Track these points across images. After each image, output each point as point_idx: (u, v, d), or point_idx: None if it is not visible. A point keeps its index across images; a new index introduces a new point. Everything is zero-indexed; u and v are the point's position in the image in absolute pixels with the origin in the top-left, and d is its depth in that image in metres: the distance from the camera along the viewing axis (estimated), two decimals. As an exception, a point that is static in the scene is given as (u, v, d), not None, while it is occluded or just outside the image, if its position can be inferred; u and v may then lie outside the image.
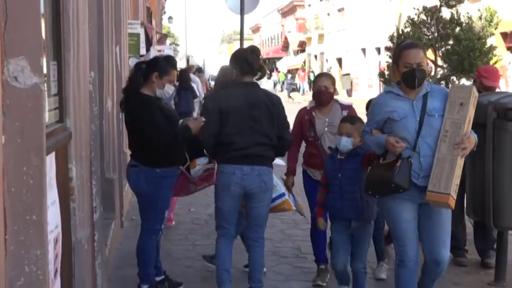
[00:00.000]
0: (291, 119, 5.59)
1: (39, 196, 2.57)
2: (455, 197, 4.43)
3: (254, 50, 5.38)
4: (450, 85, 8.79)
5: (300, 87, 47.30)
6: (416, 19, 9.25)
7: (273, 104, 5.24)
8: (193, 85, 15.07)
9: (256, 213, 5.26)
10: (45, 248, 2.62)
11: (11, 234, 2.43)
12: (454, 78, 8.90)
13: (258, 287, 5.29)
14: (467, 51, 8.59)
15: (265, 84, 39.63)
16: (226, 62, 6.43)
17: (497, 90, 6.75)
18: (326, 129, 5.88)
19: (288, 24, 61.43)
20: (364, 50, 38.81)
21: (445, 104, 4.52)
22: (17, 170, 2.46)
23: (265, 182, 5.17)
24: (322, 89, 5.87)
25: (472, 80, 7.39)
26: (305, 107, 6.06)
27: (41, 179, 2.59)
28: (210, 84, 31.37)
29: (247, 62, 5.21)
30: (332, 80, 6.05)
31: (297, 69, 53.09)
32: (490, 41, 9.43)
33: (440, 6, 9.26)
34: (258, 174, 5.12)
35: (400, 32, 9.20)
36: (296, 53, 56.86)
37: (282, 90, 49.04)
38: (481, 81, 6.54)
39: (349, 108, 6.00)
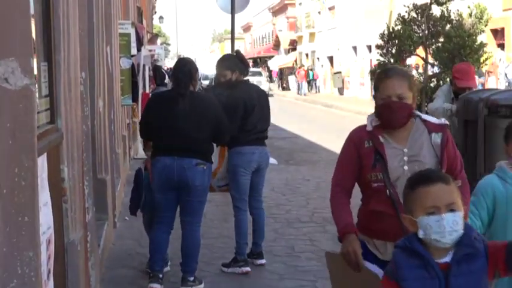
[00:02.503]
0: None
1: (31, 197, 2.56)
2: None
3: (243, 54, 6.61)
4: (442, 83, 8.83)
5: (300, 87, 44.01)
6: (406, 17, 9.27)
7: (266, 96, 6.51)
8: None
9: (260, 184, 6.36)
10: (38, 250, 2.62)
11: (3, 236, 2.42)
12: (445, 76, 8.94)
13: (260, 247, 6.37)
14: (457, 48, 8.63)
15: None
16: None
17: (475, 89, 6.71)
18: (406, 168, 3.35)
19: (279, 22, 61.42)
20: (355, 48, 38.86)
21: None
22: (8, 172, 2.45)
23: (269, 159, 6.39)
24: (394, 102, 3.35)
25: (449, 80, 7.40)
26: (362, 126, 3.51)
27: (33, 180, 2.58)
28: (201, 83, 31.32)
29: (245, 64, 6.35)
30: (410, 81, 3.45)
31: (289, 68, 53.07)
32: (480, 38, 9.45)
33: (431, 3, 9.28)
34: (266, 153, 6.30)
35: (391, 29, 9.21)
36: (287, 51, 56.86)
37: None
38: (455, 82, 6.53)
39: (443, 129, 3.49)
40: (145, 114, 5.78)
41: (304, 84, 43.62)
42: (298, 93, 43.22)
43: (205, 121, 5.52)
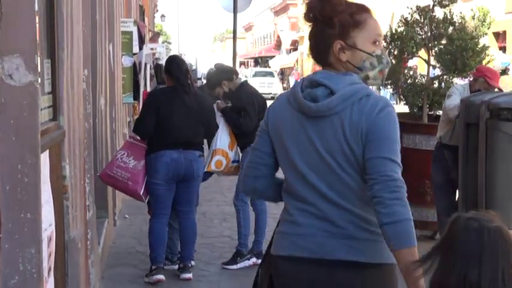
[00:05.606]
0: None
1: (34, 194, 2.57)
2: None
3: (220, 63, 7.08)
4: (443, 84, 8.81)
5: None
6: (409, 18, 9.24)
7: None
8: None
9: None
10: (40, 247, 2.62)
11: (5, 232, 2.43)
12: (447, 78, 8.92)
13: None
14: (460, 51, 8.60)
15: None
16: (219, 60, 6.98)
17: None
18: None
19: (281, 22, 61.43)
20: (356, 49, 38.81)
21: None
22: (11, 168, 2.46)
23: None
24: None
25: (472, 79, 7.37)
26: None
27: (36, 177, 2.58)
28: (202, 82, 31.49)
29: (228, 70, 6.66)
30: None
31: (290, 68, 53.04)
32: (482, 41, 9.43)
33: (434, 5, 9.24)
34: None
35: (393, 31, 9.18)
36: (288, 51, 56.87)
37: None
38: (485, 80, 6.59)
39: None
40: (147, 111, 5.82)
41: None
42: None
43: (203, 116, 5.89)
